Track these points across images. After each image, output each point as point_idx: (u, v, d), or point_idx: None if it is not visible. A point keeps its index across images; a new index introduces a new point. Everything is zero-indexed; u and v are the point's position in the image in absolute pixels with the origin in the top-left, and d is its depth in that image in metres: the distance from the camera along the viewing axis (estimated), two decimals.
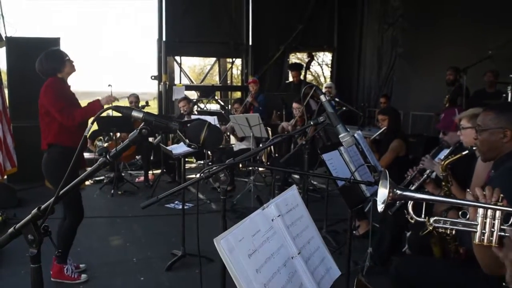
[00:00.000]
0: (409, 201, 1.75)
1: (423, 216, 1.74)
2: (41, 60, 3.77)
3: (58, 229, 3.82)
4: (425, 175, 3.31)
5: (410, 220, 1.77)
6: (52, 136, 3.75)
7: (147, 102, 8.28)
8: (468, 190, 1.78)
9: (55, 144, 3.74)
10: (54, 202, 1.51)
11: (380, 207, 1.73)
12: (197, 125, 1.51)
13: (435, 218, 1.75)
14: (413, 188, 3.36)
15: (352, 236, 3.21)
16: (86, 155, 8.83)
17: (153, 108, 9.88)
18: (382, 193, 1.70)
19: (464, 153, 2.91)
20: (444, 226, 1.73)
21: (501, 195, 1.59)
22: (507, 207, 1.58)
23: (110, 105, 1.60)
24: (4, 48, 7.42)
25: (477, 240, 1.64)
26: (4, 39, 7.40)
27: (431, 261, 2.83)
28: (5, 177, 6.75)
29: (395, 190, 1.67)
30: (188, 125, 1.52)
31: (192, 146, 1.52)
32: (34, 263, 1.56)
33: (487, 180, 2.58)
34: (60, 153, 3.73)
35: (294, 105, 6.55)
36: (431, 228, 1.76)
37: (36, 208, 1.53)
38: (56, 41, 7.61)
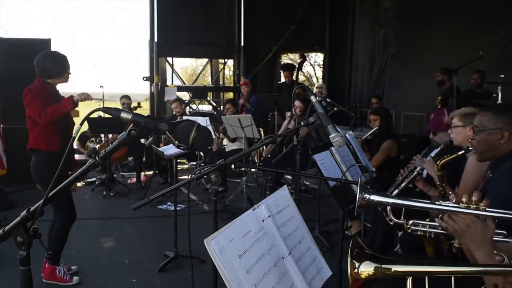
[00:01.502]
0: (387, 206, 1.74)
1: (402, 218, 1.75)
2: (45, 58, 3.74)
3: (48, 231, 3.80)
4: (415, 173, 3.32)
5: (389, 222, 1.77)
6: (32, 140, 3.72)
7: (139, 104, 8.26)
8: (456, 187, 1.79)
9: (35, 149, 3.71)
10: (43, 204, 1.51)
11: (355, 212, 1.74)
12: (186, 126, 1.51)
13: (414, 221, 1.76)
14: (403, 185, 3.37)
15: (345, 236, 3.22)
16: (77, 156, 8.80)
17: (145, 110, 9.86)
18: (357, 197, 1.69)
19: (460, 153, 2.93)
20: (422, 229, 1.74)
21: (484, 200, 1.61)
22: (488, 211, 1.59)
23: (100, 107, 1.58)
24: None
25: (457, 244, 1.66)
26: None
27: (425, 260, 2.83)
28: None
29: (365, 195, 1.66)
30: (178, 126, 1.52)
31: (181, 147, 1.52)
32: (23, 265, 1.55)
33: (483, 181, 2.59)
34: (42, 157, 3.70)
35: (296, 103, 6.53)
36: (409, 231, 1.77)
37: (25, 210, 1.52)
38: (47, 42, 7.57)
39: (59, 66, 3.77)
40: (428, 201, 1.71)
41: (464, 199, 1.61)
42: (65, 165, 1.57)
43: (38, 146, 3.71)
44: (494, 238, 1.64)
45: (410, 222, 1.76)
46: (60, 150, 3.70)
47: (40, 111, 3.56)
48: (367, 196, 1.65)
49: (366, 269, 1.43)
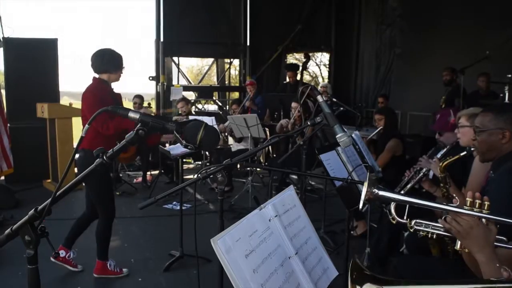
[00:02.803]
0: (391, 203, 1.74)
1: (405, 217, 1.74)
2: (103, 54, 3.79)
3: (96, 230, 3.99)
4: (421, 174, 3.31)
5: (392, 220, 1.77)
6: (86, 141, 3.74)
7: (149, 104, 8.28)
8: (463, 188, 1.79)
9: (88, 149, 3.73)
10: (51, 203, 1.51)
11: (361, 205, 1.73)
12: (194, 126, 1.51)
13: (416, 221, 1.75)
14: (409, 185, 3.36)
15: (350, 236, 3.21)
16: None
17: (152, 109, 9.88)
18: (363, 191, 1.70)
19: (462, 154, 2.91)
20: (425, 229, 1.73)
21: (487, 203, 1.60)
22: (491, 215, 1.59)
23: (108, 108, 1.58)
24: (1, 49, 7.41)
25: (458, 247, 1.66)
26: (1, 39, 7.39)
27: (430, 260, 2.82)
28: (2, 178, 6.75)
29: (373, 189, 1.66)
30: (186, 126, 1.53)
31: (189, 147, 1.52)
32: (31, 264, 1.56)
33: (485, 181, 2.58)
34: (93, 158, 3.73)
35: (293, 104, 6.55)
36: (411, 230, 1.76)
37: (33, 209, 1.53)
38: (53, 42, 7.61)
39: (116, 63, 3.84)
40: (433, 201, 1.71)
41: (468, 201, 1.61)
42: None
43: (91, 147, 3.73)
44: (495, 244, 1.64)
45: (413, 222, 1.75)
46: None
47: (103, 124, 3.63)
48: (375, 191, 1.65)
49: None
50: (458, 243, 1.68)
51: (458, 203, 1.68)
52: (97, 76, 3.83)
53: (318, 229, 4.73)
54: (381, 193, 1.65)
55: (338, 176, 3.10)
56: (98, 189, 3.83)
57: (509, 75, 5.76)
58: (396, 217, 1.79)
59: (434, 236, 1.78)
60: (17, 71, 7.37)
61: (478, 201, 1.61)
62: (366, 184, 1.66)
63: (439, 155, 3.41)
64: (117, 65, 3.85)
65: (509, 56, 7.15)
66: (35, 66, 7.40)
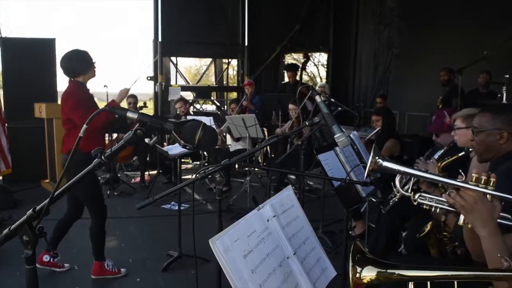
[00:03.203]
0: (397, 175, 1.75)
1: (409, 191, 1.74)
2: (70, 58, 3.78)
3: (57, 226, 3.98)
4: None
5: (396, 193, 1.78)
6: (73, 142, 3.75)
7: (145, 103, 8.27)
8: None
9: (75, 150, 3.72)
10: (49, 203, 1.51)
11: (365, 175, 1.75)
12: (192, 126, 1.51)
13: (420, 193, 1.76)
14: (406, 187, 3.36)
15: (348, 236, 3.21)
16: None
17: (149, 109, 9.88)
18: (368, 161, 1.71)
19: (460, 154, 2.92)
20: (429, 203, 1.74)
21: (493, 179, 1.61)
22: (495, 191, 1.60)
23: (106, 108, 1.58)
24: None
25: (461, 222, 1.66)
26: None
27: (429, 260, 2.83)
28: (0, 178, 6.73)
29: (378, 159, 1.67)
30: (184, 125, 1.53)
31: (187, 147, 1.52)
32: (29, 264, 1.55)
33: None
34: (81, 159, 3.73)
35: (290, 106, 6.56)
36: (415, 203, 1.77)
37: (31, 209, 1.52)
38: (51, 42, 7.60)
39: (85, 62, 3.82)
40: (438, 174, 1.72)
41: (474, 177, 1.61)
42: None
43: (81, 148, 3.73)
44: (498, 221, 1.65)
45: (417, 195, 1.76)
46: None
47: (84, 120, 3.60)
48: (380, 161, 1.66)
49: (368, 274, 1.43)
50: (461, 218, 1.68)
51: (464, 178, 1.69)
52: (72, 79, 3.81)
53: (316, 229, 4.74)
54: (385, 163, 1.66)
55: (336, 176, 3.10)
56: (90, 191, 3.83)
57: (507, 76, 5.77)
58: (400, 189, 1.80)
59: (438, 210, 1.79)
60: (15, 71, 7.36)
61: (484, 177, 1.61)
62: (371, 154, 1.68)
63: (436, 156, 3.42)
64: (88, 63, 3.82)
65: (507, 57, 7.16)
66: (33, 66, 7.39)
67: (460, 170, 1.77)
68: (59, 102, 7.92)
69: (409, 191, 1.79)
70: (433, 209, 1.81)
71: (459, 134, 3.24)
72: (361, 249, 1.48)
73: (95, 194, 3.89)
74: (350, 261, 1.45)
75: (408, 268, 1.43)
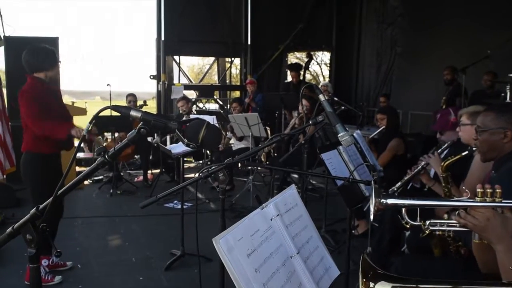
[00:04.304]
0: (402, 209, 1.74)
1: (418, 220, 1.73)
2: (35, 52, 3.65)
3: None
4: (420, 167, 3.30)
5: (405, 225, 1.76)
6: (25, 142, 3.73)
7: (145, 102, 8.27)
8: (463, 187, 1.77)
9: (28, 151, 3.72)
10: (53, 202, 1.51)
11: (371, 216, 1.73)
12: (196, 125, 1.51)
13: (431, 221, 1.74)
14: (407, 177, 3.35)
15: (351, 235, 3.21)
16: (82, 155, 8.85)
17: (152, 108, 9.89)
18: (372, 202, 1.68)
19: (463, 153, 2.91)
20: (440, 228, 1.72)
21: (498, 190, 1.59)
22: (505, 202, 1.57)
23: (109, 106, 1.58)
24: (2, 48, 7.41)
25: (477, 239, 1.65)
26: (2, 38, 7.39)
27: (432, 260, 2.82)
28: (5, 176, 6.74)
29: (381, 200, 1.65)
30: (187, 124, 1.52)
31: (191, 146, 1.52)
32: (32, 262, 1.55)
33: (487, 180, 2.58)
34: (30, 157, 3.72)
35: (304, 102, 6.50)
36: (427, 232, 1.75)
37: (34, 208, 1.52)
38: (54, 41, 7.59)
39: (50, 58, 3.69)
40: (444, 198, 1.71)
41: (479, 193, 1.59)
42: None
43: (30, 148, 3.71)
44: None
45: (427, 222, 1.74)
46: (52, 154, 3.73)
47: (39, 125, 3.56)
48: (383, 201, 1.64)
49: None
50: (476, 236, 1.67)
51: (469, 195, 1.67)
52: (33, 75, 3.68)
53: (319, 228, 4.72)
54: (390, 201, 1.64)
55: (339, 175, 3.09)
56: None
57: (511, 74, 5.75)
58: (409, 220, 1.78)
59: (451, 234, 1.77)
60: (18, 69, 7.32)
61: (489, 191, 1.59)
62: (372, 195, 1.65)
63: (439, 150, 3.41)
64: (53, 61, 3.70)
65: (510, 55, 7.14)
66: None
67: (464, 187, 1.75)
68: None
69: (418, 220, 1.78)
70: (446, 233, 1.78)
71: (463, 130, 3.23)
72: (370, 264, 1.48)
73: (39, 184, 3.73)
74: (361, 276, 1.45)
75: (419, 283, 1.42)
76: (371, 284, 1.43)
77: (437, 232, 1.75)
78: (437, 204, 1.77)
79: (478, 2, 7.92)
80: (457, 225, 1.70)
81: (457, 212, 1.66)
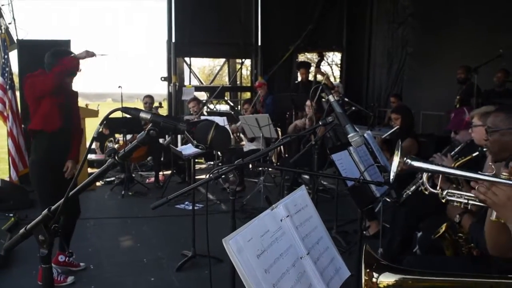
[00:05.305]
0: (423, 174, 1.73)
1: (437, 188, 1.72)
2: (59, 53, 3.83)
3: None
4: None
5: (424, 191, 1.76)
6: (36, 122, 3.80)
7: (160, 104, 8.31)
8: (489, 163, 1.76)
9: (34, 130, 3.81)
10: (65, 202, 1.52)
11: (392, 176, 1.73)
12: (205, 126, 1.51)
13: (449, 191, 1.74)
14: (420, 181, 3.34)
15: (363, 236, 3.19)
16: (93, 156, 8.92)
17: (163, 109, 9.94)
18: (395, 162, 1.69)
19: (474, 154, 2.90)
20: (458, 200, 1.72)
21: None
22: None
23: (120, 108, 1.59)
24: (15, 51, 7.48)
25: (494, 217, 1.64)
26: (15, 41, 7.47)
27: (443, 259, 2.80)
28: (18, 178, 6.81)
29: (406, 160, 1.66)
30: (197, 126, 1.53)
31: (200, 147, 1.52)
32: (45, 263, 1.57)
33: None
34: (40, 139, 3.82)
35: (308, 103, 6.51)
36: (443, 200, 1.75)
37: (46, 209, 1.54)
38: (66, 43, 7.66)
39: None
40: (469, 170, 1.69)
41: (505, 172, 1.59)
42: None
43: (36, 126, 3.78)
44: None
45: (445, 192, 1.74)
46: (60, 129, 3.77)
47: (43, 80, 3.69)
48: (408, 161, 1.65)
49: (386, 279, 1.42)
50: (494, 214, 1.66)
51: (494, 172, 1.66)
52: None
53: (330, 229, 4.72)
54: (415, 163, 1.65)
55: (350, 176, 3.08)
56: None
57: None
58: (428, 187, 1.79)
59: (469, 206, 1.76)
60: (32, 72, 7.43)
61: None
62: (398, 154, 1.67)
63: (452, 153, 3.39)
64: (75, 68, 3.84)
65: None
66: None
67: (490, 163, 1.75)
68: None
69: (437, 188, 1.78)
70: (462, 205, 1.78)
71: (475, 131, 3.21)
72: (374, 256, 1.47)
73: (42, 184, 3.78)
74: (363, 266, 1.45)
75: (422, 274, 1.42)
76: (375, 275, 1.43)
77: (455, 203, 1.74)
78: (461, 174, 1.77)
79: (489, 1, 7.85)
80: (475, 199, 1.69)
81: (477, 187, 1.64)
